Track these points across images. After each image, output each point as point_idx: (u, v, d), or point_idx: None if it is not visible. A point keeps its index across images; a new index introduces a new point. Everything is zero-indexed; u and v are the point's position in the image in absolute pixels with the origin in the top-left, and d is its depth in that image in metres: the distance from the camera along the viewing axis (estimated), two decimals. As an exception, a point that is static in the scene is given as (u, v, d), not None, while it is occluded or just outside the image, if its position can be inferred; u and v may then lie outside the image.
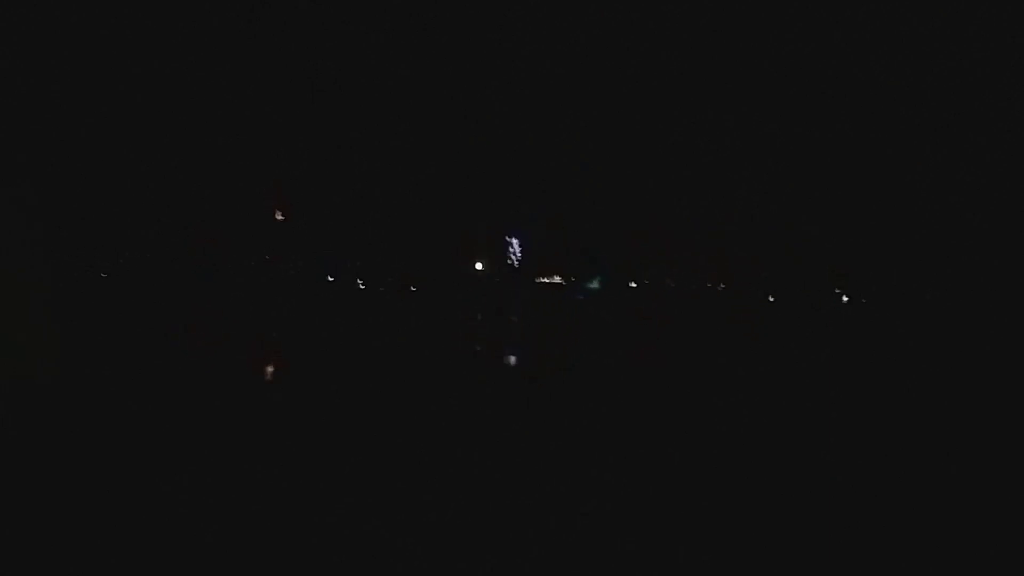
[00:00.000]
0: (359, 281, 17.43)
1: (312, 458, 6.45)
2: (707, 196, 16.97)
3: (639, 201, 17.79)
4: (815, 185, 16.25)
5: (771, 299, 17.66)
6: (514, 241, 18.37)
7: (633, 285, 19.32)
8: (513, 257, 18.77)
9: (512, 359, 12.50)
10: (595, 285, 19.53)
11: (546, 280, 19.84)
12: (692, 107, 15.85)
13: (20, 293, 9.32)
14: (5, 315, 9.05)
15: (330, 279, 17.32)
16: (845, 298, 16.84)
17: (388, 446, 6.89)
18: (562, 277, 19.96)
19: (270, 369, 10.78)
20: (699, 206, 17.31)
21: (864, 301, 16.15)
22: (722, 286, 18.60)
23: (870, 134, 15.08)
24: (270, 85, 13.94)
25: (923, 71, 14.19)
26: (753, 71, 14.72)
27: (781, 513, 5.35)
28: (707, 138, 16.01)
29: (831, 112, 15.19)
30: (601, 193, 17.70)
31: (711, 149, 15.99)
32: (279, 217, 16.63)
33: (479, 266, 18.77)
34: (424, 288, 16.84)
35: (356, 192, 16.36)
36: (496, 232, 18.05)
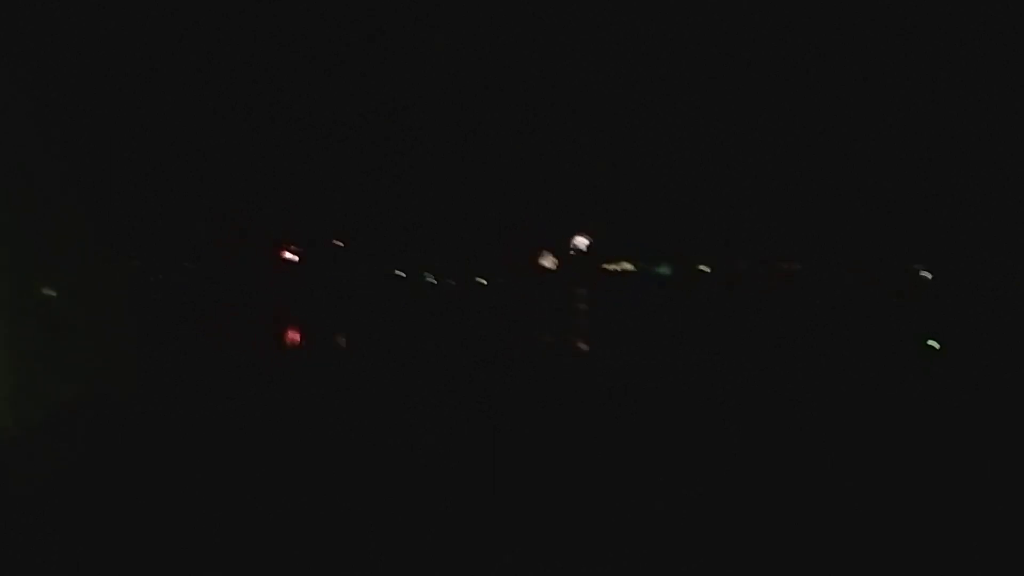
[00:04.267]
0: (429, 276, 17.46)
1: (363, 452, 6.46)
2: (777, 175, 16.39)
3: (708, 181, 17.29)
4: (896, 158, 15.48)
5: (848, 280, 17.02)
6: (581, 234, 18.12)
7: (705, 269, 18.80)
8: (579, 246, 18.51)
9: (581, 348, 12.41)
10: (664, 271, 19.14)
11: (615, 267, 19.49)
12: (760, 89, 15.34)
13: (93, 293, 9.66)
14: (79, 316, 9.40)
15: (400, 274, 17.41)
16: (928, 275, 16.03)
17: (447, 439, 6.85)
18: (631, 264, 19.56)
19: (340, 362, 10.88)
20: (769, 186, 16.73)
21: (950, 279, 15.27)
22: (798, 267, 17.96)
23: (949, 113, 14.27)
24: (347, 84, 14.02)
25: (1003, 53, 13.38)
26: (818, 58, 14.17)
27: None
28: (778, 118, 15.46)
29: (909, 91, 14.46)
30: (669, 175, 17.27)
31: (781, 128, 15.44)
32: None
33: (547, 262, 18.53)
34: (493, 283, 16.74)
35: (424, 187, 16.35)
36: (561, 224, 17.81)
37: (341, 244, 16.59)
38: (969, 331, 10.57)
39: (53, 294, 9.60)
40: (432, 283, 18.04)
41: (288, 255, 16.56)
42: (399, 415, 7.79)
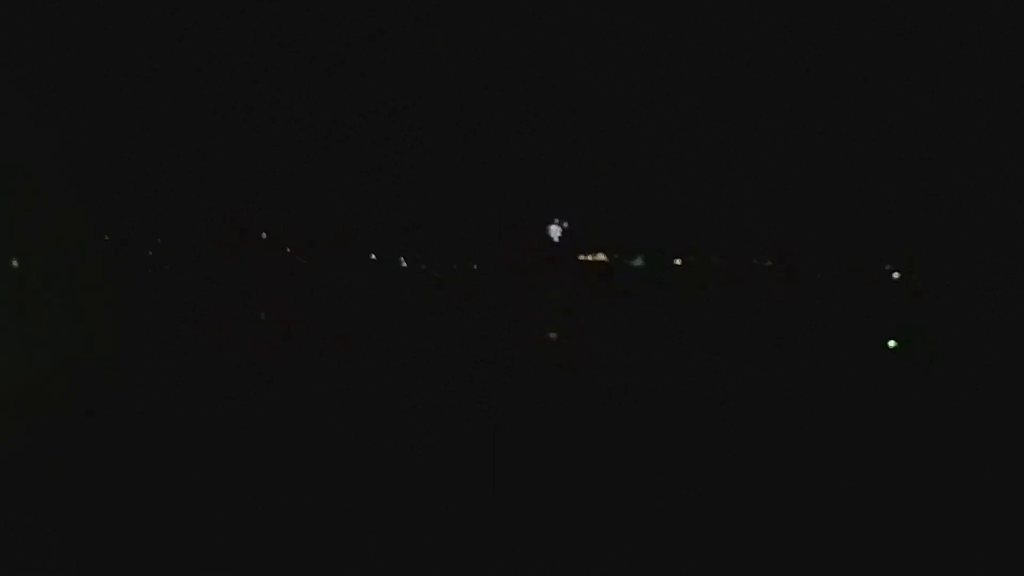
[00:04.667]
0: (402, 260, 17.40)
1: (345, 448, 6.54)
2: (754, 168, 16.57)
3: (683, 174, 17.40)
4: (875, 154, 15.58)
5: (819, 275, 17.31)
6: (556, 221, 18.19)
7: (678, 262, 18.99)
8: (555, 236, 18.59)
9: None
10: (639, 263, 19.32)
11: (590, 258, 19.60)
12: (737, 84, 15.49)
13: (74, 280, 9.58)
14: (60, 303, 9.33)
15: (373, 257, 17.28)
16: (896, 275, 16.42)
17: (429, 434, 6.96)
18: (606, 255, 19.67)
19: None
20: (746, 179, 16.92)
21: (918, 279, 15.57)
22: (769, 263, 18.25)
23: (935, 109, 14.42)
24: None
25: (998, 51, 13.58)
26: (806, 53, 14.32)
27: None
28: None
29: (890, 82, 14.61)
30: (645, 167, 17.39)
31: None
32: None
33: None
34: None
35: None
36: (536, 214, 17.86)
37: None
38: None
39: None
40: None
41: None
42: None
